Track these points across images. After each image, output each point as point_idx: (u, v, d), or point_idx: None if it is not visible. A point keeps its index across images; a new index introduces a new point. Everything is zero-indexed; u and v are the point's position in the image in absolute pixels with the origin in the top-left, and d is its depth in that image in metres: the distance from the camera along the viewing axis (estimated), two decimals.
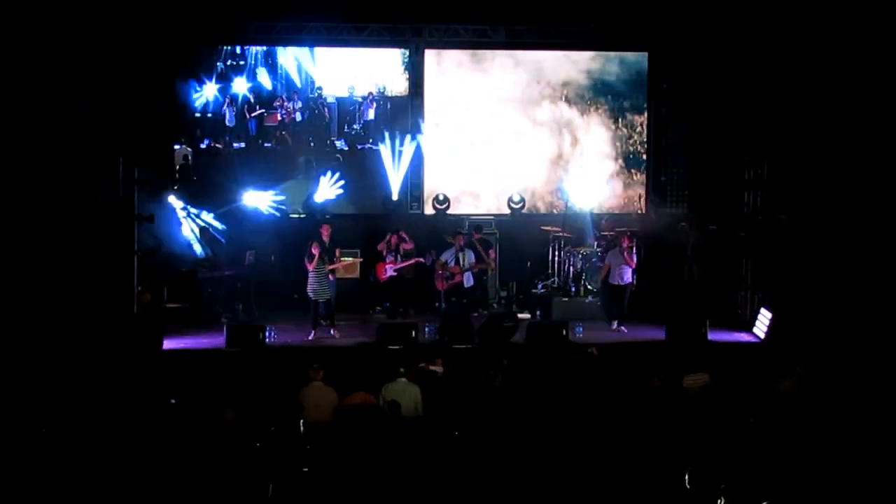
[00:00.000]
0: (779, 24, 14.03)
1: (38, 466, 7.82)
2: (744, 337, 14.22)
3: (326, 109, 16.63)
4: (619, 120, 16.92)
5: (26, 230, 11.63)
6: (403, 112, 16.68)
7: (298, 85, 16.51)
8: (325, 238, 13.99)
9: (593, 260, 15.50)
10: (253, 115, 16.48)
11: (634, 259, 14.40)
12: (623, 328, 14.38)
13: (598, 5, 15.90)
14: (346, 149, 16.69)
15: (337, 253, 14.17)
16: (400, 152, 16.65)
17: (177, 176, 15.94)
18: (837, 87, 13.15)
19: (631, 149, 16.99)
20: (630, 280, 14.46)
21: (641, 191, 16.94)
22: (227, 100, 16.38)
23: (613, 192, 16.81)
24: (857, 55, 12.94)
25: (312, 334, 13.78)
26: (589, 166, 16.57)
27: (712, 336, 13.66)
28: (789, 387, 10.08)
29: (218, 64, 16.35)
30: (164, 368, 11.95)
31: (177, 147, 16.19)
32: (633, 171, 17.00)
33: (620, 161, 16.95)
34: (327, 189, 16.02)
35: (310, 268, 13.65)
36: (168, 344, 13.03)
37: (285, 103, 16.48)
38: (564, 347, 13.06)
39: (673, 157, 16.68)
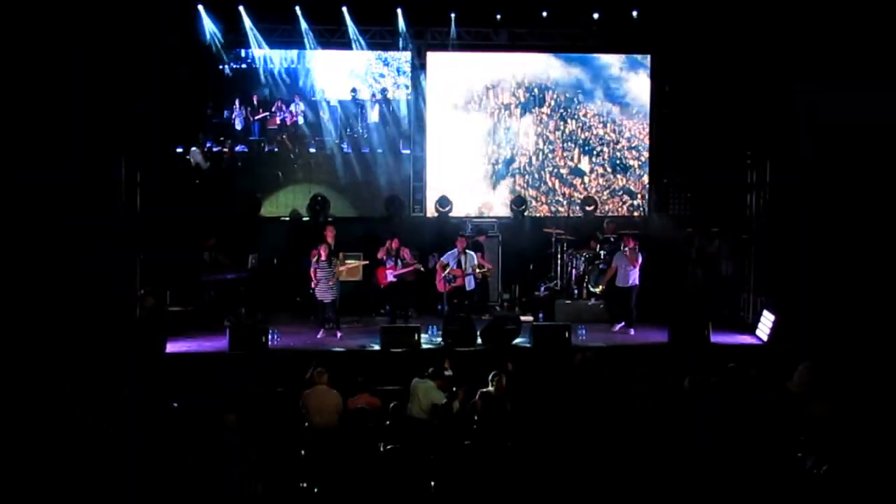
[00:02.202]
0: (780, 25, 14.04)
1: (40, 468, 7.82)
2: (746, 339, 14.21)
3: (329, 112, 16.65)
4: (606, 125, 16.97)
5: (27, 231, 11.65)
6: (405, 114, 16.69)
7: (301, 88, 16.54)
8: (330, 240, 14.01)
9: (596, 262, 15.48)
10: (256, 118, 16.50)
11: (640, 259, 14.37)
12: (631, 330, 14.34)
13: (600, 8, 15.91)
14: (349, 152, 16.71)
15: (340, 256, 14.18)
16: (402, 155, 16.67)
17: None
18: (839, 88, 13.14)
19: (618, 154, 17.00)
20: (636, 282, 14.41)
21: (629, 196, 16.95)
22: (239, 102, 16.40)
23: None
24: (859, 56, 12.93)
25: (322, 332, 13.89)
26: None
27: (715, 338, 13.64)
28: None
29: (220, 67, 16.37)
30: (167, 371, 11.95)
31: (179, 149, 16.21)
32: (618, 176, 17.01)
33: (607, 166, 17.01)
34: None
35: (317, 270, 13.74)
36: (171, 347, 13.04)
37: (288, 106, 16.49)
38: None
39: (675, 160, 16.68)
